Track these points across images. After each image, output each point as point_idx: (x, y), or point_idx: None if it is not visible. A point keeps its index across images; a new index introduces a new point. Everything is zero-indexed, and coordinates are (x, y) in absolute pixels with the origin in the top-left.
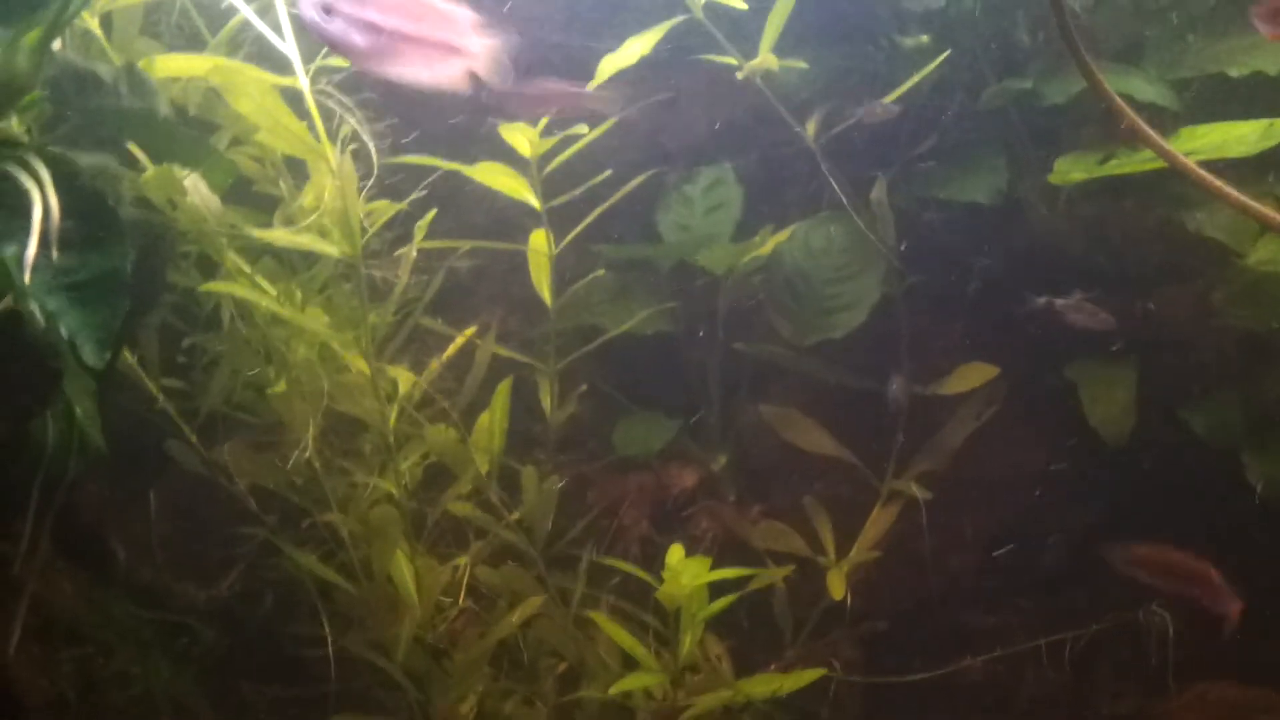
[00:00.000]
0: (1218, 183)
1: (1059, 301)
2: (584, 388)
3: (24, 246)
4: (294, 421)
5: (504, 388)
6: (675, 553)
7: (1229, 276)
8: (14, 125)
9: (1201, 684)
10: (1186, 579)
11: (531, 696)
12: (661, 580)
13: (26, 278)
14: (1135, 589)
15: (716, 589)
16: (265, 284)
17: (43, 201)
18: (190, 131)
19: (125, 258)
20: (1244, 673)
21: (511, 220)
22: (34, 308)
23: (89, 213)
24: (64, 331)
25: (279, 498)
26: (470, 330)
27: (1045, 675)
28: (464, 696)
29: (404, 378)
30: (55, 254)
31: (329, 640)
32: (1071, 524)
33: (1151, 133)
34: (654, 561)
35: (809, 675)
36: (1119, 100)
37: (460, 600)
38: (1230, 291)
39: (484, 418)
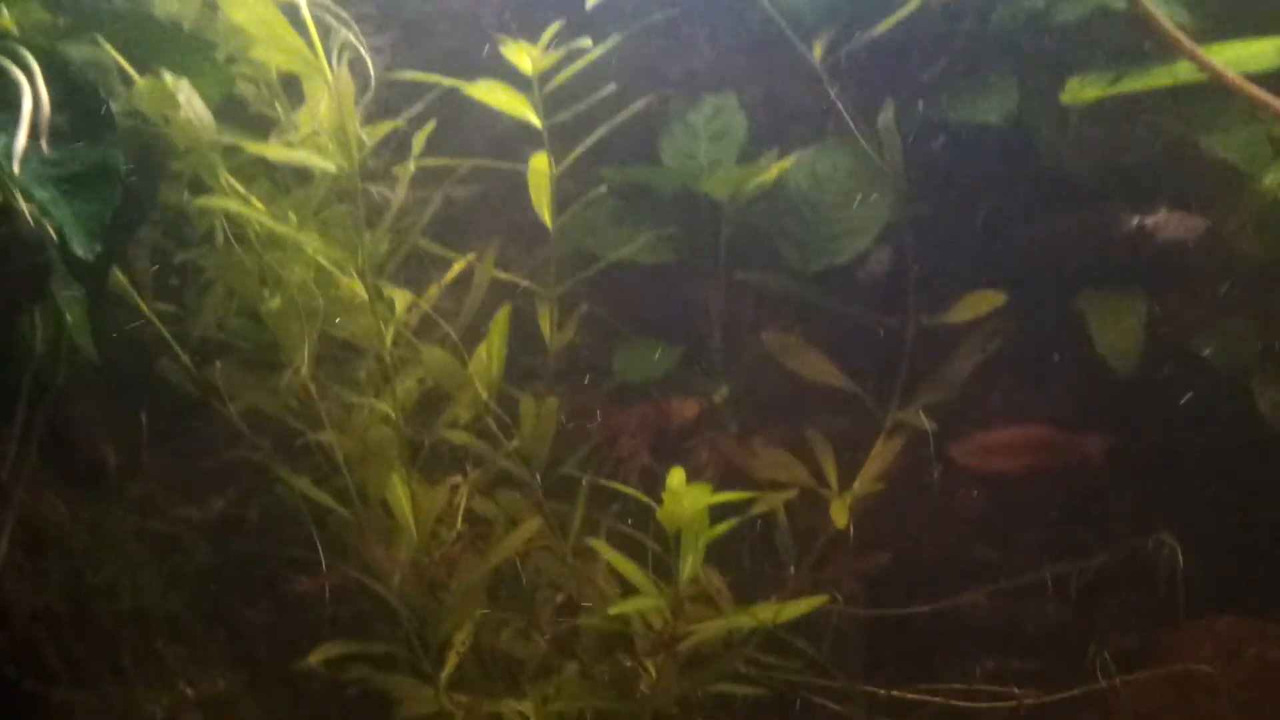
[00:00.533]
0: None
1: (1149, 220)
2: (584, 309)
3: (13, 138)
4: (289, 341)
5: (503, 314)
6: (676, 475)
7: (1243, 201)
8: (4, 18)
9: (1210, 616)
10: (1030, 452)
11: (529, 626)
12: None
13: (15, 169)
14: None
15: (717, 518)
16: (259, 205)
17: (33, 93)
18: (187, 35)
19: (116, 149)
20: (1255, 605)
21: (511, 147)
22: (22, 202)
23: (80, 105)
24: (53, 224)
25: (273, 422)
26: (470, 257)
27: (1050, 609)
28: (460, 624)
29: (401, 298)
30: (45, 146)
31: (323, 565)
32: (1080, 457)
33: (1188, 42)
34: (654, 494)
35: (811, 602)
36: (1155, 11)
37: (458, 525)
38: (1244, 216)
39: (483, 347)
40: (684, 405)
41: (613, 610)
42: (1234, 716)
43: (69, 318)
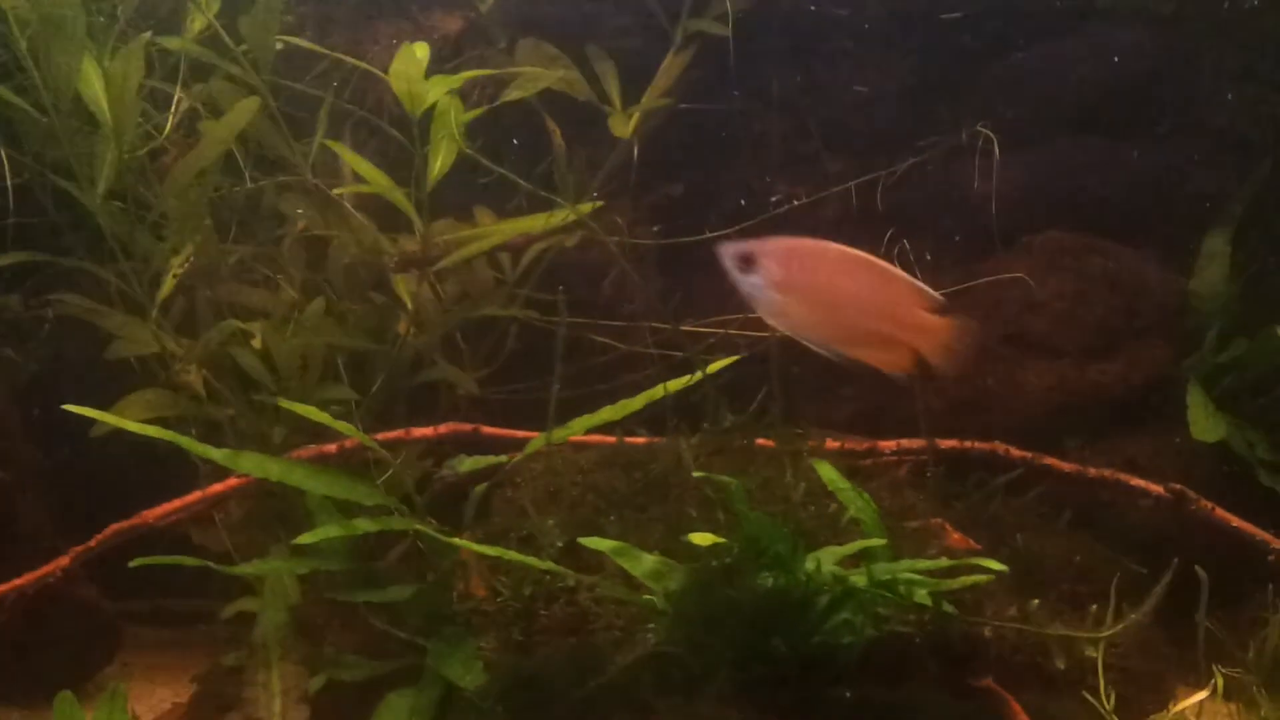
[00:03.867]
0: None
1: None
2: None
3: None
4: None
5: None
6: (416, 49)
7: None
8: None
9: (1032, 233)
10: None
11: (259, 255)
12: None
13: None
14: None
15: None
16: None
17: None
18: None
19: None
20: (1078, 218)
21: None
22: None
23: None
24: None
25: None
26: None
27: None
28: (179, 248)
29: None
30: None
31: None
32: (891, 74)
33: None
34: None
35: (586, 207)
36: None
37: (169, 127)
38: None
39: None
40: (446, 20)
41: (338, 190)
42: (1048, 329)
43: None
